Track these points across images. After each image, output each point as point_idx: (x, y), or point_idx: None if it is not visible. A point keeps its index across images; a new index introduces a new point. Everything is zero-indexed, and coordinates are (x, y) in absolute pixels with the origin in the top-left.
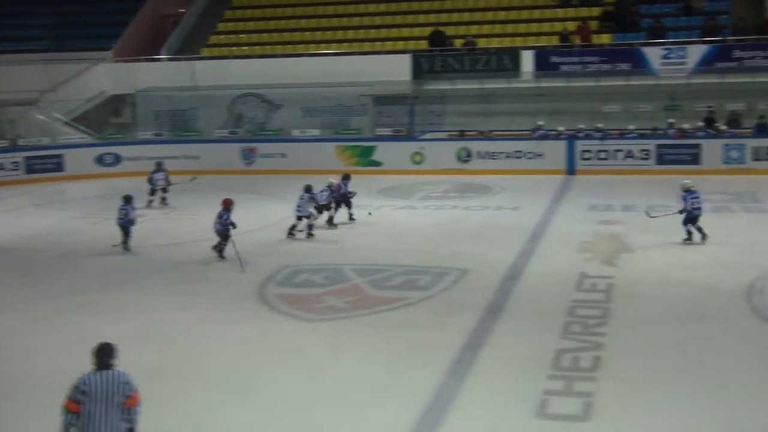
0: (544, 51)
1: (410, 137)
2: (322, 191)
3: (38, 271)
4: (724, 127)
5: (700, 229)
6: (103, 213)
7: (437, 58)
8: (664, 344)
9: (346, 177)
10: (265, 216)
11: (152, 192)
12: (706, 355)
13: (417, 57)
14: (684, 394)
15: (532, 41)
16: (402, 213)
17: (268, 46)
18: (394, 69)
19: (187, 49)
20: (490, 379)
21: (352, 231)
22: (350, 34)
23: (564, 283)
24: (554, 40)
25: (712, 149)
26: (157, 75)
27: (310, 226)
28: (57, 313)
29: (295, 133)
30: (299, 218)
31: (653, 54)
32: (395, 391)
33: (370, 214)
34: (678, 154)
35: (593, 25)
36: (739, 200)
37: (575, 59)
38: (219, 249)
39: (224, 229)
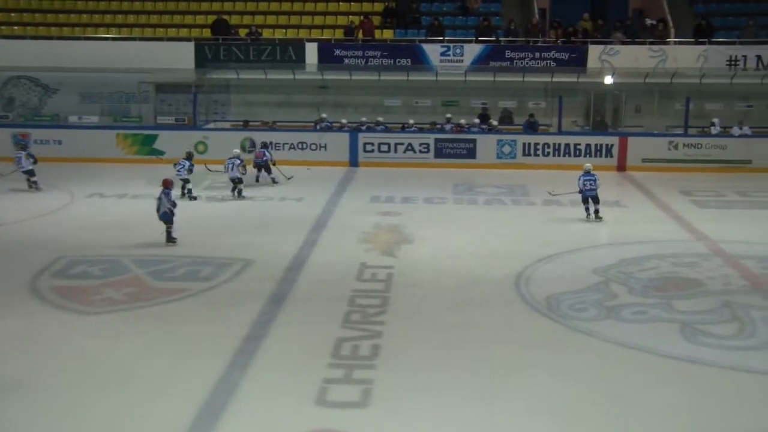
0: (328, 44)
1: (193, 126)
2: (234, 162)
3: None
4: (495, 123)
5: (597, 211)
6: None
7: (221, 46)
8: (437, 330)
9: (265, 145)
10: (39, 205)
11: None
12: (473, 339)
13: (200, 45)
14: (452, 376)
15: (316, 34)
16: (185, 203)
17: (42, 27)
18: (176, 57)
19: None
20: (271, 369)
21: (133, 220)
22: (131, 18)
23: (345, 273)
24: (338, 34)
25: (486, 144)
26: None
27: (239, 190)
28: None
29: (73, 119)
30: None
31: (432, 51)
32: (174, 385)
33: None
34: (455, 149)
35: (376, 20)
36: (511, 193)
37: (358, 53)
38: (169, 233)
39: (173, 207)
